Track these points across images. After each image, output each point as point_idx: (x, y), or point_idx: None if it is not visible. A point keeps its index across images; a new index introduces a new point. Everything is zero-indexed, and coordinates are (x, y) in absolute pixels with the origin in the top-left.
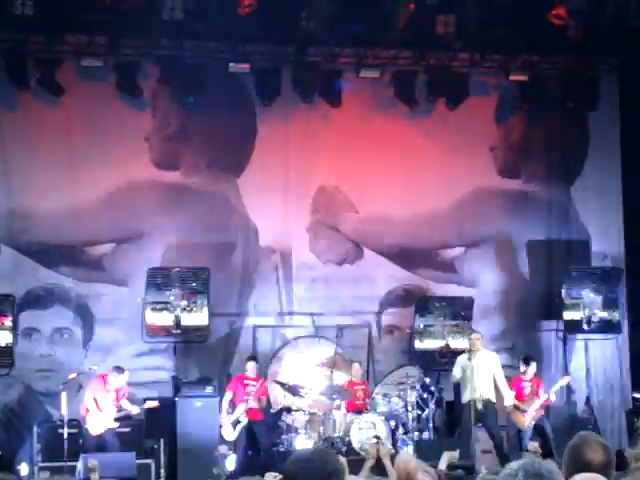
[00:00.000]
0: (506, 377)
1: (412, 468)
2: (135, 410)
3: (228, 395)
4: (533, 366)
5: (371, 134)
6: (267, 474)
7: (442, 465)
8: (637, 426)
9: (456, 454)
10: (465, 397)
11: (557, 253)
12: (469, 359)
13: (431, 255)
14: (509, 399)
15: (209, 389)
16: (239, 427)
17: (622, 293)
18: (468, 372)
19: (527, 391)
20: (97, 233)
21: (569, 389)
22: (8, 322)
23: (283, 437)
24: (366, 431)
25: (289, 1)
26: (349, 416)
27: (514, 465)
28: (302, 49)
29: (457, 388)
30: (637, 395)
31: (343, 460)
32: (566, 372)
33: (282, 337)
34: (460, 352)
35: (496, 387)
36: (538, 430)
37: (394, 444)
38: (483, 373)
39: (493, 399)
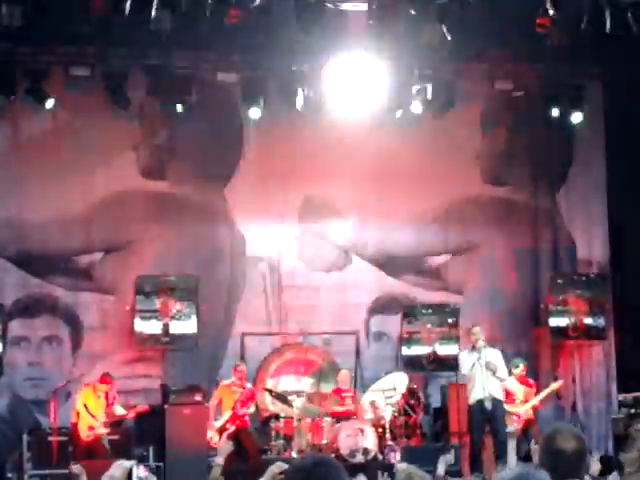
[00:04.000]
0: None
1: None
2: (129, 415)
3: (214, 402)
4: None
5: (358, 142)
6: (274, 465)
7: (440, 470)
8: (630, 431)
9: (452, 457)
10: (473, 397)
11: (543, 260)
12: (476, 356)
13: (418, 262)
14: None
15: (198, 396)
16: (226, 434)
17: (608, 299)
18: (476, 370)
19: (519, 395)
20: (85, 242)
21: (556, 395)
22: None
23: (271, 444)
24: (354, 438)
25: (276, 11)
26: (337, 423)
27: (507, 474)
28: (288, 58)
29: (444, 394)
30: (622, 398)
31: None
32: (554, 378)
33: (270, 345)
34: (446, 358)
35: None
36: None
37: (382, 451)
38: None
39: (502, 398)
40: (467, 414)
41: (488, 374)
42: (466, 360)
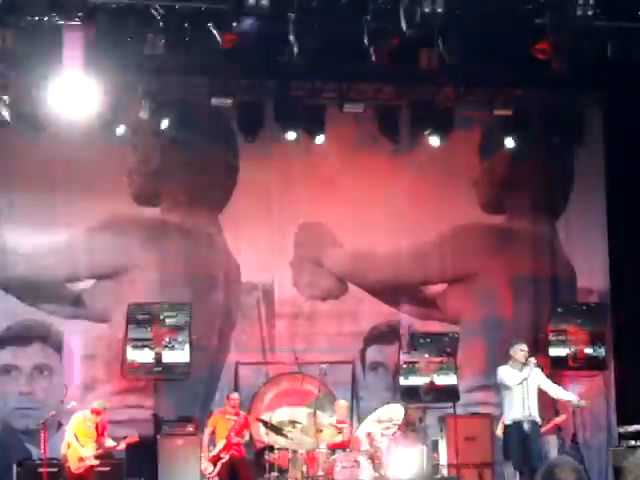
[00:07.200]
0: (491, 415)
1: None
2: (120, 446)
3: (208, 430)
4: None
5: (355, 169)
6: None
7: None
8: (624, 464)
9: None
10: (510, 416)
11: (542, 289)
12: (521, 372)
13: (414, 291)
14: (572, 396)
15: (190, 427)
16: (220, 463)
17: (608, 329)
18: (519, 388)
19: None
20: (77, 269)
21: (557, 427)
22: None
23: (265, 476)
24: (349, 470)
25: (271, 35)
26: (332, 454)
27: None
28: (285, 84)
29: (442, 425)
30: (622, 430)
31: None
32: (555, 412)
33: (264, 374)
34: (444, 389)
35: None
36: None
37: None
38: (533, 391)
39: (539, 421)
40: (503, 437)
41: (529, 393)
42: (509, 373)
